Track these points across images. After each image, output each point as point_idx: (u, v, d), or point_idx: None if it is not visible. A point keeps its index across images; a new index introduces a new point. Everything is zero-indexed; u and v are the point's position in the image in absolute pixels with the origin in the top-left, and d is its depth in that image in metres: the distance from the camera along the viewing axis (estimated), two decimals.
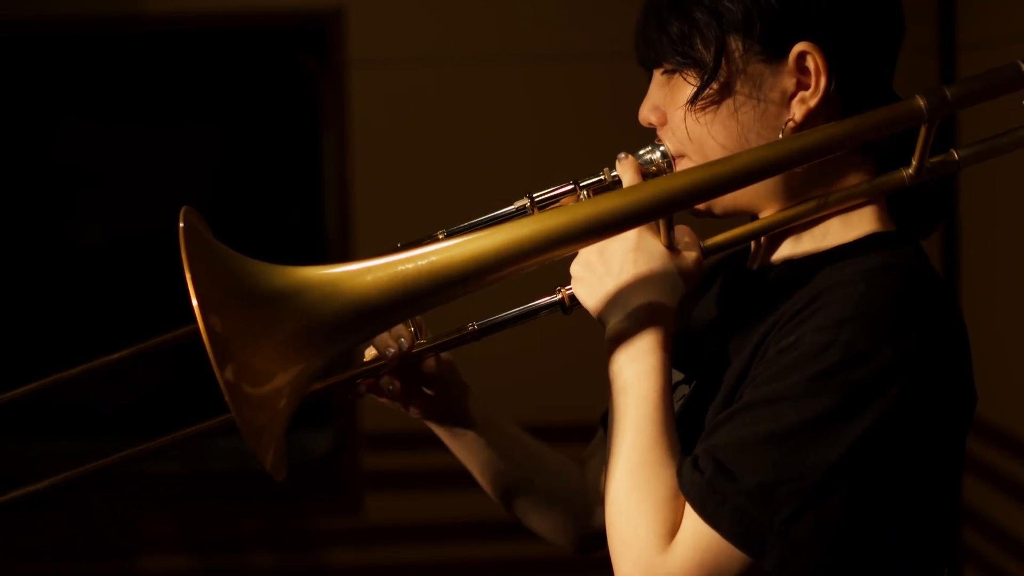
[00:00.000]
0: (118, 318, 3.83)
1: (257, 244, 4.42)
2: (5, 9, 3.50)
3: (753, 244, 1.24)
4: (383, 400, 1.34)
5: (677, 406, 1.18)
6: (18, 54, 3.74)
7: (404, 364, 1.27)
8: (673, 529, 1.01)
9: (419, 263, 1.06)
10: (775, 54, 1.10)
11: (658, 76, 1.17)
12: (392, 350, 1.24)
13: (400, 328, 1.25)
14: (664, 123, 1.17)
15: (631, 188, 1.07)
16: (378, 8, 3.55)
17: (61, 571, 3.50)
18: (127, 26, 3.58)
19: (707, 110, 1.12)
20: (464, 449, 1.39)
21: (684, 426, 1.11)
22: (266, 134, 3.87)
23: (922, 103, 1.05)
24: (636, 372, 1.08)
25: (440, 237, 1.24)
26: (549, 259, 1.07)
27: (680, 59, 1.12)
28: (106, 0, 3.54)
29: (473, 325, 1.25)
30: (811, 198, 1.13)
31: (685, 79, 1.13)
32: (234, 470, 3.54)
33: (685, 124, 1.13)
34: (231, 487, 3.57)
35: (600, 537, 1.42)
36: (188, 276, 0.98)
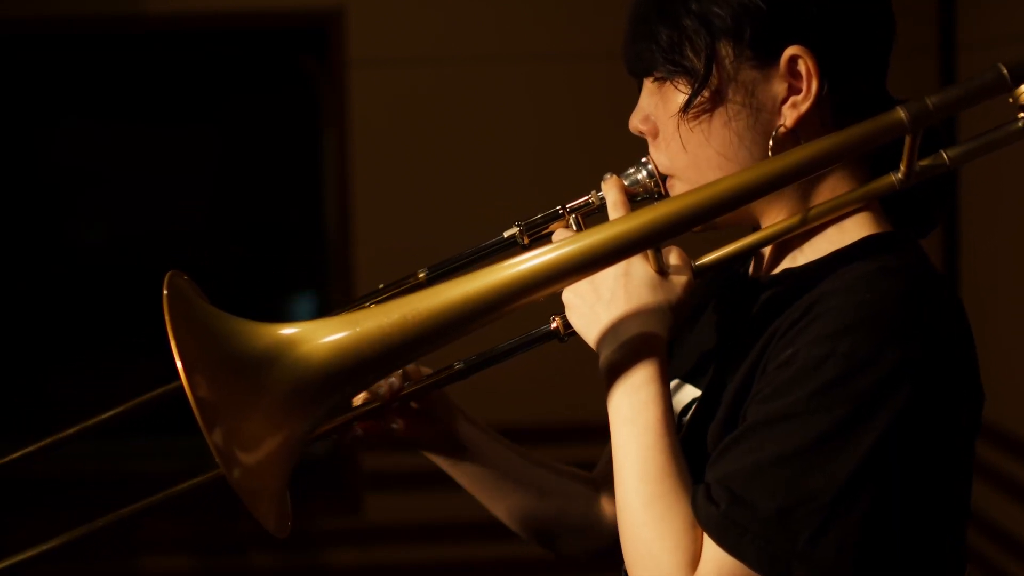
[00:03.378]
0: (119, 318, 3.83)
1: (257, 244, 4.40)
2: (5, 9, 3.50)
3: (753, 258, 1.23)
4: (386, 441, 1.33)
5: (689, 422, 1.17)
6: (18, 54, 3.73)
7: (402, 402, 1.27)
8: (694, 560, 1.00)
9: (405, 312, 1.05)
10: (766, 59, 1.09)
11: (648, 84, 1.16)
12: (383, 389, 1.24)
13: None
14: (655, 134, 1.15)
15: (618, 220, 1.06)
16: (378, 8, 3.55)
17: (61, 571, 3.50)
18: (127, 26, 3.58)
19: (699, 118, 1.11)
20: (467, 477, 1.39)
21: (693, 443, 1.10)
22: (266, 134, 3.87)
23: (903, 115, 1.04)
24: (635, 403, 1.07)
25: (421, 276, 1.24)
26: (539, 298, 1.06)
27: (671, 67, 1.11)
28: (106, 0, 3.55)
29: (459, 363, 1.24)
30: (802, 209, 1.12)
31: (676, 87, 1.12)
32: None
33: (679, 133, 1.12)
34: (231, 487, 3.56)
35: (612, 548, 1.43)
36: (173, 344, 0.98)
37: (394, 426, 1.31)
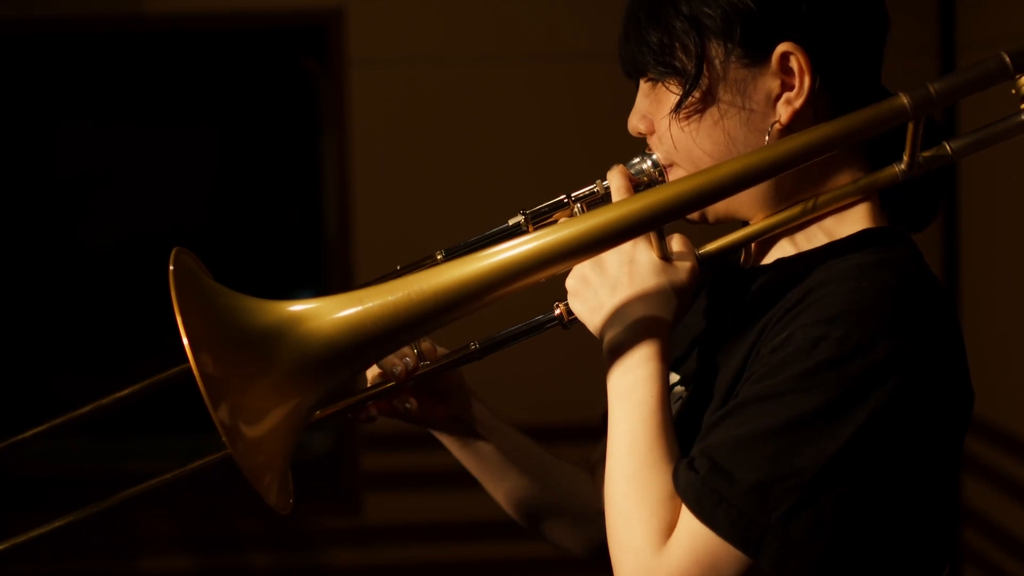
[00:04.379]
0: (119, 317, 3.83)
1: (257, 244, 4.38)
2: (5, 9, 3.50)
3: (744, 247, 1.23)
4: (399, 419, 1.33)
5: (675, 408, 1.18)
6: (18, 54, 3.73)
7: (417, 382, 1.27)
8: (668, 529, 1.00)
9: (410, 290, 1.06)
10: (757, 57, 1.09)
11: (643, 85, 1.17)
12: (399, 369, 1.25)
13: (404, 348, 1.25)
14: (652, 132, 1.16)
15: (620, 203, 1.06)
16: (378, 8, 3.55)
17: (61, 571, 3.49)
18: (127, 26, 3.58)
19: (691, 118, 1.12)
20: (475, 459, 1.40)
21: (682, 429, 1.10)
22: (266, 134, 3.87)
23: (906, 101, 1.05)
24: (633, 380, 1.08)
25: (439, 258, 1.24)
26: (542, 278, 1.07)
27: (662, 68, 1.12)
28: (106, 0, 3.54)
29: (475, 344, 1.25)
30: (803, 200, 1.13)
31: (668, 88, 1.13)
32: (234, 469, 3.54)
33: (670, 132, 1.13)
34: (231, 487, 3.56)
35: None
36: (179, 319, 0.99)
37: (407, 406, 1.32)
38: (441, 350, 1.30)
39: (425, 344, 1.29)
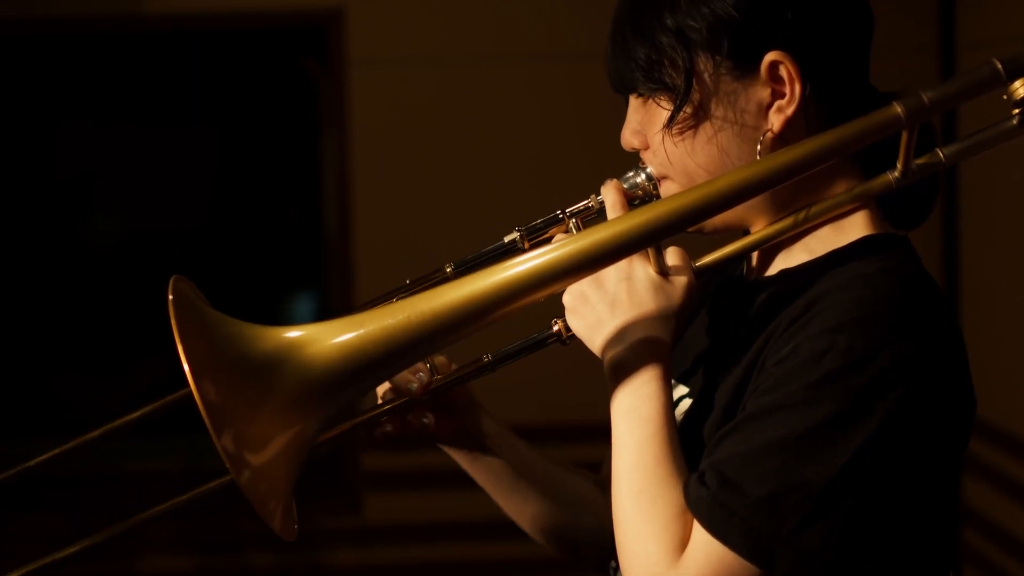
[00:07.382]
0: (119, 317, 3.83)
1: (257, 244, 4.38)
2: (5, 9, 3.50)
3: (746, 260, 1.23)
4: (413, 436, 1.33)
5: (679, 420, 1.18)
6: (18, 54, 3.73)
7: (432, 396, 1.27)
8: (682, 545, 1.01)
9: (409, 313, 1.06)
10: (746, 67, 1.09)
11: (634, 100, 1.16)
12: (415, 384, 1.24)
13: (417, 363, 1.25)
14: (646, 146, 1.16)
15: (616, 220, 1.06)
16: (378, 8, 3.55)
17: (61, 571, 3.49)
18: (127, 26, 3.58)
19: (684, 133, 1.11)
20: (486, 473, 1.39)
21: (687, 441, 1.11)
22: (266, 134, 3.87)
23: (900, 110, 1.05)
24: (637, 398, 1.08)
25: (448, 271, 1.24)
26: (541, 297, 1.07)
27: (651, 85, 1.12)
28: (106, 0, 3.55)
29: (488, 356, 1.24)
30: (799, 209, 1.12)
31: (659, 103, 1.12)
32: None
33: (664, 147, 1.13)
34: (231, 487, 3.56)
35: None
36: (180, 348, 0.98)
37: (424, 421, 1.31)
38: (453, 365, 1.30)
39: (439, 359, 1.28)
